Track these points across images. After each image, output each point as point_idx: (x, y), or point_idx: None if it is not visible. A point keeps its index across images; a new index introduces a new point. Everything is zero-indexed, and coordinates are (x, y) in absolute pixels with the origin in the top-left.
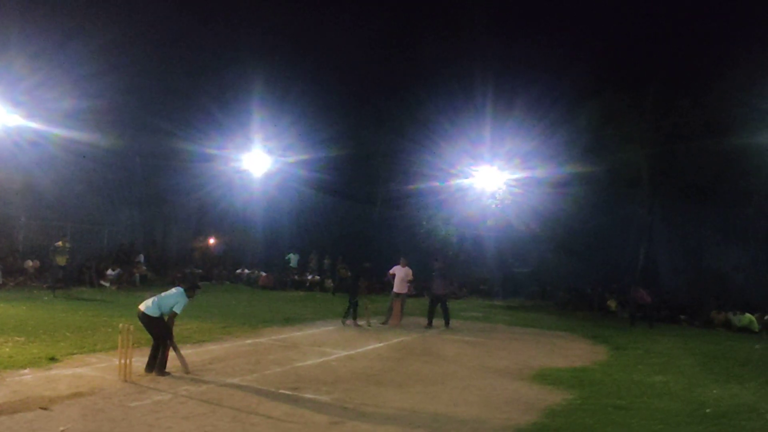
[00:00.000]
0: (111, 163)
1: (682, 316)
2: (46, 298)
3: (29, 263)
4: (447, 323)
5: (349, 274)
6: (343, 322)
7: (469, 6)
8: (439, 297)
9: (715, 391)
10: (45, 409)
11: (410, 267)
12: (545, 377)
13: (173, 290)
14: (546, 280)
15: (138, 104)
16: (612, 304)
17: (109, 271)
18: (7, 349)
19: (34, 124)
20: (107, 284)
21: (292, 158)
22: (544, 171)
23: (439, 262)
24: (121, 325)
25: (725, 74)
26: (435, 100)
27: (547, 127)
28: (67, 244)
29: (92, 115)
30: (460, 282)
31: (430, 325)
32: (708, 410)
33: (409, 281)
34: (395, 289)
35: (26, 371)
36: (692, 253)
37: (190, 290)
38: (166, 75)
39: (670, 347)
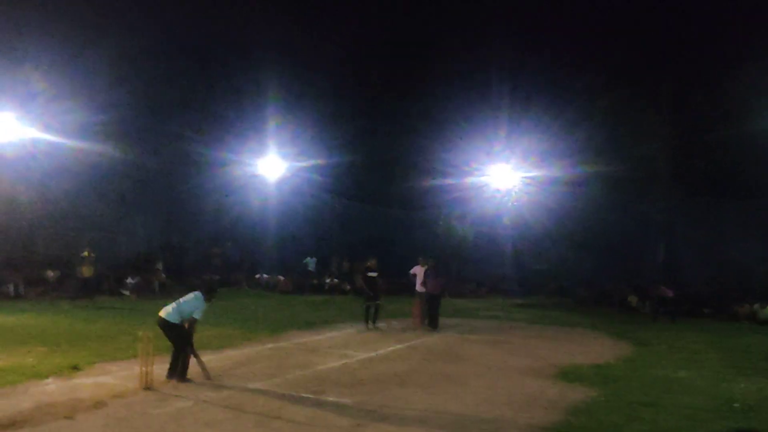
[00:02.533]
0: (127, 171)
1: (705, 310)
2: (67, 307)
3: (49, 273)
4: (433, 323)
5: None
6: (367, 327)
7: (484, 3)
8: (433, 296)
9: (741, 385)
10: (69, 418)
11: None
12: (568, 375)
13: (191, 295)
14: (565, 277)
15: (154, 112)
16: (633, 299)
17: (128, 279)
18: (30, 359)
19: (50, 136)
20: (126, 292)
21: (307, 162)
22: (560, 169)
23: (432, 260)
24: (140, 332)
25: (739, 64)
26: (450, 99)
27: (562, 125)
28: (92, 254)
29: (107, 126)
30: (478, 281)
31: (429, 324)
32: (736, 405)
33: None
34: (417, 289)
35: (49, 381)
36: (713, 246)
37: (209, 294)
38: (180, 82)
39: (694, 342)
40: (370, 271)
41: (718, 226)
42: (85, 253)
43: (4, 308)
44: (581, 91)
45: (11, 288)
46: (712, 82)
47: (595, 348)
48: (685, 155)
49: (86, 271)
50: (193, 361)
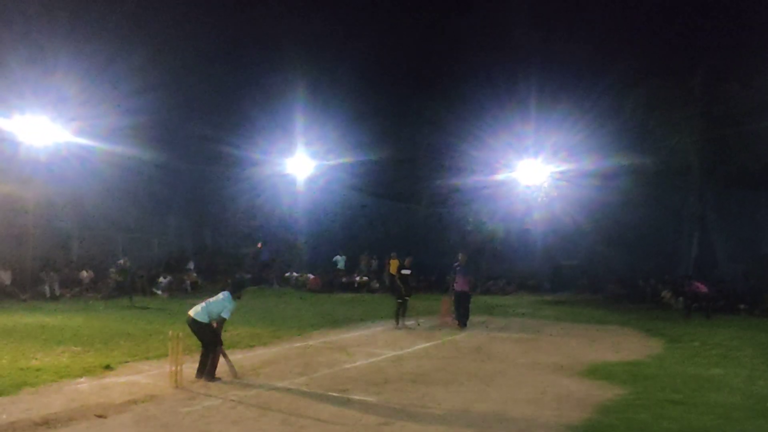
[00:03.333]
0: (159, 173)
1: (741, 306)
2: (101, 307)
3: (84, 274)
4: (462, 321)
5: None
6: (396, 325)
7: None
8: (463, 294)
9: None
10: (101, 416)
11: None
12: (597, 372)
13: (220, 295)
14: (595, 273)
15: (184, 114)
16: (666, 295)
17: (161, 279)
18: (65, 359)
19: (83, 140)
20: (159, 292)
21: (335, 161)
22: (591, 163)
23: (462, 256)
24: (170, 332)
25: None
26: (478, 94)
27: (593, 119)
28: (128, 263)
29: (139, 129)
30: (508, 278)
31: (458, 321)
32: None
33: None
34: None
35: (82, 380)
36: (748, 241)
37: (236, 291)
38: (210, 84)
39: (728, 338)
40: (405, 269)
41: (753, 219)
42: (122, 262)
43: (41, 309)
44: (611, 83)
45: (47, 289)
46: (746, 72)
47: (625, 345)
48: (718, 147)
49: (119, 276)
50: (222, 360)
